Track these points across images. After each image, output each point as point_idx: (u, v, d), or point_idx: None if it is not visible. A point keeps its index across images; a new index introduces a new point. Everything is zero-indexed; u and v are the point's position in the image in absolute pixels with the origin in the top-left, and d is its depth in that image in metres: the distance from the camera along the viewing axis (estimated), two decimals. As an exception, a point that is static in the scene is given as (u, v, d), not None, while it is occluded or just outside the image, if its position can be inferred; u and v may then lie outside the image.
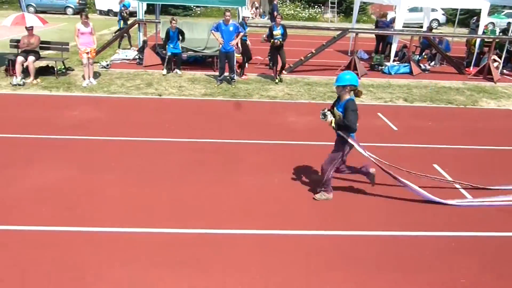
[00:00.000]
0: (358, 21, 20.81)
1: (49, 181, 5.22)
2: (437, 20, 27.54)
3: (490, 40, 12.77)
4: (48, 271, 3.65)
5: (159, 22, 13.13)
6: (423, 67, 13.22)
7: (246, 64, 11.48)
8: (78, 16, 10.32)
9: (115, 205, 4.78)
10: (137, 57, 12.48)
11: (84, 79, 9.93)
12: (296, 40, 16.30)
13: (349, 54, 14.85)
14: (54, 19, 21.88)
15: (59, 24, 20.70)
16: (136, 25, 12.65)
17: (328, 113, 4.78)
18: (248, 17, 13.09)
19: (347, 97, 4.71)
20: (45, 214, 4.52)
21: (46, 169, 5.53)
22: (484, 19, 13.46)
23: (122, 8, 14.50)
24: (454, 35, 17.22)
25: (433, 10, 20.74)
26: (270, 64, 11.73)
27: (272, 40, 10.54)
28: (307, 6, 31.08)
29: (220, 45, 10.18)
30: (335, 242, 4.31)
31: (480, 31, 13.48)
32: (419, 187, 5.13)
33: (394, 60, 13.08)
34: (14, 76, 9.88)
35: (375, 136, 7.21)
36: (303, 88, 10.51)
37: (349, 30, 12.87)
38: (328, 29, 16.97)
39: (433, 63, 14.14)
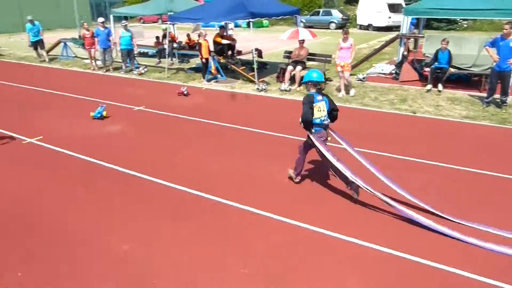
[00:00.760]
0: None
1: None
2: None
3: None
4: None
5: (423, 37, 12.53)
6: None
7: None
8: (341, 30, 10.88)
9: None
10: (393, 71, 12.28)
11: (340, 90, 10.42)
12: None
13: None
14: (320, 33, 23.91)
15: (323, 38, 22.57)
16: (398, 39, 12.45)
17: None
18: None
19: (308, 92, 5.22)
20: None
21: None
22: None
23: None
24: None
25: None
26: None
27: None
28: None
29: (494, 63, 8.88)
30: None
31: None
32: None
33: None
34: (283, 83, 11.27)
35: None
36: None
37: None
38: None
39: None
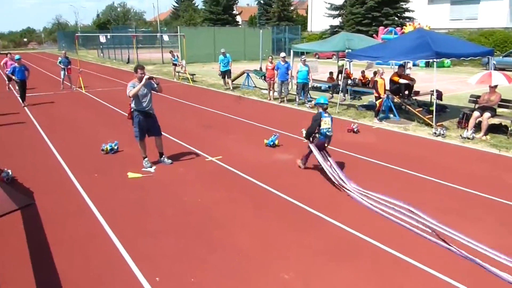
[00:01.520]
0: None
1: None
2: None
3: None
4: None
5: None
6: None
7: None
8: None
9: None
10: None
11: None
12: None
13: None
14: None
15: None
16: None
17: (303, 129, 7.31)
18: None
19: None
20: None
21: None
22: None
23: None
24: None
25: None
26: None
27: None
28: None
29: None
30: None
31: None
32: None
33: None
34: (466, 130, 10.12)
35: None
36: None
37: None
38: None
39: None
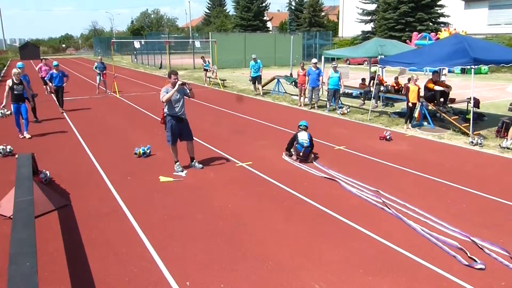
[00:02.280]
0: None
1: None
2: None
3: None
4: None
5: None
6: None
7: None
8: None
9: None
10: None
11: None
12: None
13: None
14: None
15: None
16: None
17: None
18: None
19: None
20: None
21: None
22: None
23: None
24: None
25: None
26: None
27: None
28: None
29: None
30: None
31: None
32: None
33: None
34: (505, 139, 9.72)
35: None
36: None
37: None
38: None
39: None
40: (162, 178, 7.37)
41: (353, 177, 7.41)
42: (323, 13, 57.89)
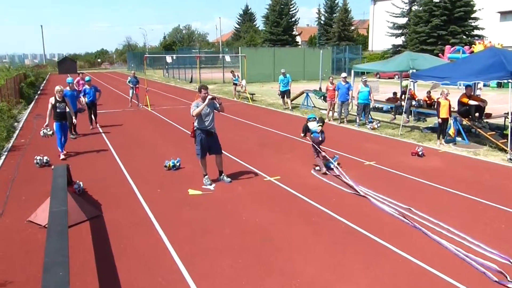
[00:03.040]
0: None
1: None
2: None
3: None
4: None
5: None
6: None
7: None
8: None
9: None
10: None
11: None
12: None
13: None
14: None
15: None
16: None
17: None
18: None
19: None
20: None
21: None
22: None
23: None
24: None
25: None
26: None
27: None
28: None
29: None
30: None
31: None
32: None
33: None
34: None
35: None
36: None
37: None
38: None
39: None
40: (191, 191, 7.43)
41: (383, 193, 7.23)
42: (352, 27, 57.71)
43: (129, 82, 19.11)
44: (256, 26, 75.33)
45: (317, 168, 8.73)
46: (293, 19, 59.26)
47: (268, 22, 58.26)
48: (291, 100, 18.61)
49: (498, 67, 10.25)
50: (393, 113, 15.08)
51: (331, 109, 15.16)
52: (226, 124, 14.20)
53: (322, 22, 60.15)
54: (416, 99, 15.20)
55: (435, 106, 11.92)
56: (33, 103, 22.02)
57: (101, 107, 17.22)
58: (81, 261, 4.98)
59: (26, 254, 5.16)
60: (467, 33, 37.42)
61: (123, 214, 6.43)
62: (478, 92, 14.76)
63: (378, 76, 35.64)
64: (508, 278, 4.49)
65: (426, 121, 14.66)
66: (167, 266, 4.87)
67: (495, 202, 6.84)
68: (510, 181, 8.09)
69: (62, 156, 9.78)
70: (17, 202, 6.97)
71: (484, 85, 21.88)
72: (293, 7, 59.45)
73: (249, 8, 78.47)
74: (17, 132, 13.39)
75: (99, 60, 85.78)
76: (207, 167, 7.91)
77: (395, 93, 16.37)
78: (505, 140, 10.32)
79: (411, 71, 13.32)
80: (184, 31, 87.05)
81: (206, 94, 7.44)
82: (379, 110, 16.93)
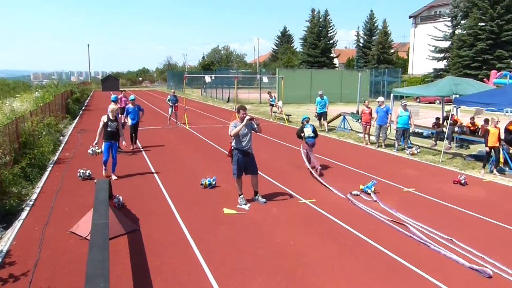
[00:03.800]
0: None
1: None
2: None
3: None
4: None
5: None
6: None
7: None
8: None
9: None
10: None
11: None
12: None
13: None
14: None
15: None
16: None
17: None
18: None
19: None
20: None
21: None
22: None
23: None
24: None
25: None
26: None
27: None
28: None
29: None
30: None
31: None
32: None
33: None
34: None
35: None
36: None
37: None
38: None
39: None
40: (226, 210, 7.48)
41: (423, 222, 6.99)
42: (392, 50, 57.04)
43: (168, 100, 19.65)
44: (294, 47, 76.01)
45: (354, 192, 8.58)
46: (331, 41, 59.44)
47: (306, 44, 58.69)
48: (328, 122, 18.50)
49: (548, 95, 9.81)
50: (434, 139, 14.64)
51: (366, 133, 14.94)
52: (262, 144, 14.27)
53: (360, 44, 59.88)
54: (459, 124, 14.72)
55: (480, 133, 11.49)
56: (77, 118, 23.05)
57: (141, 123, 17.76)
58: (118, 273, 5.09)
59: (67, 264, 5.35)
60: (514, 57, 36.16)
61: (159, 230, 6.54)
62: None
63: (418, 100, 34.86)
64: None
65: (469, 148, 14.13)
66: (201, 285, 4.89)
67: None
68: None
69: (113, 177, 9.48)
70: (61, 213, 7.26)
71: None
72: (332, 29, 59.74)
73: (287, 30, 79.54)
74: (62, 145, 14.03)
75: (140, 78, 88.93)
76: (243, 187, 7.95)
77: (437, 118, 15.93)
78: (556, 171, 9.76)
79: (454, 96, 12.96)
80: (222, 52, 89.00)
81: (244, 115, 7.55)
82: (419, 135, 16.50)
